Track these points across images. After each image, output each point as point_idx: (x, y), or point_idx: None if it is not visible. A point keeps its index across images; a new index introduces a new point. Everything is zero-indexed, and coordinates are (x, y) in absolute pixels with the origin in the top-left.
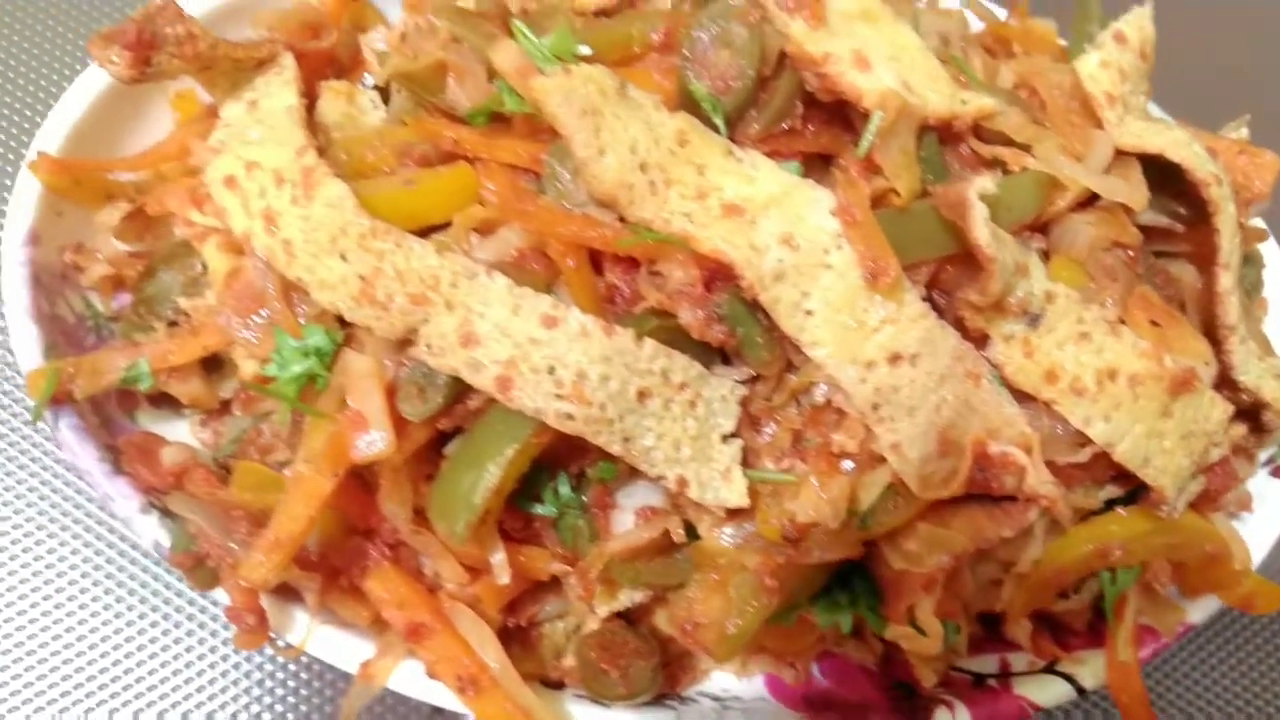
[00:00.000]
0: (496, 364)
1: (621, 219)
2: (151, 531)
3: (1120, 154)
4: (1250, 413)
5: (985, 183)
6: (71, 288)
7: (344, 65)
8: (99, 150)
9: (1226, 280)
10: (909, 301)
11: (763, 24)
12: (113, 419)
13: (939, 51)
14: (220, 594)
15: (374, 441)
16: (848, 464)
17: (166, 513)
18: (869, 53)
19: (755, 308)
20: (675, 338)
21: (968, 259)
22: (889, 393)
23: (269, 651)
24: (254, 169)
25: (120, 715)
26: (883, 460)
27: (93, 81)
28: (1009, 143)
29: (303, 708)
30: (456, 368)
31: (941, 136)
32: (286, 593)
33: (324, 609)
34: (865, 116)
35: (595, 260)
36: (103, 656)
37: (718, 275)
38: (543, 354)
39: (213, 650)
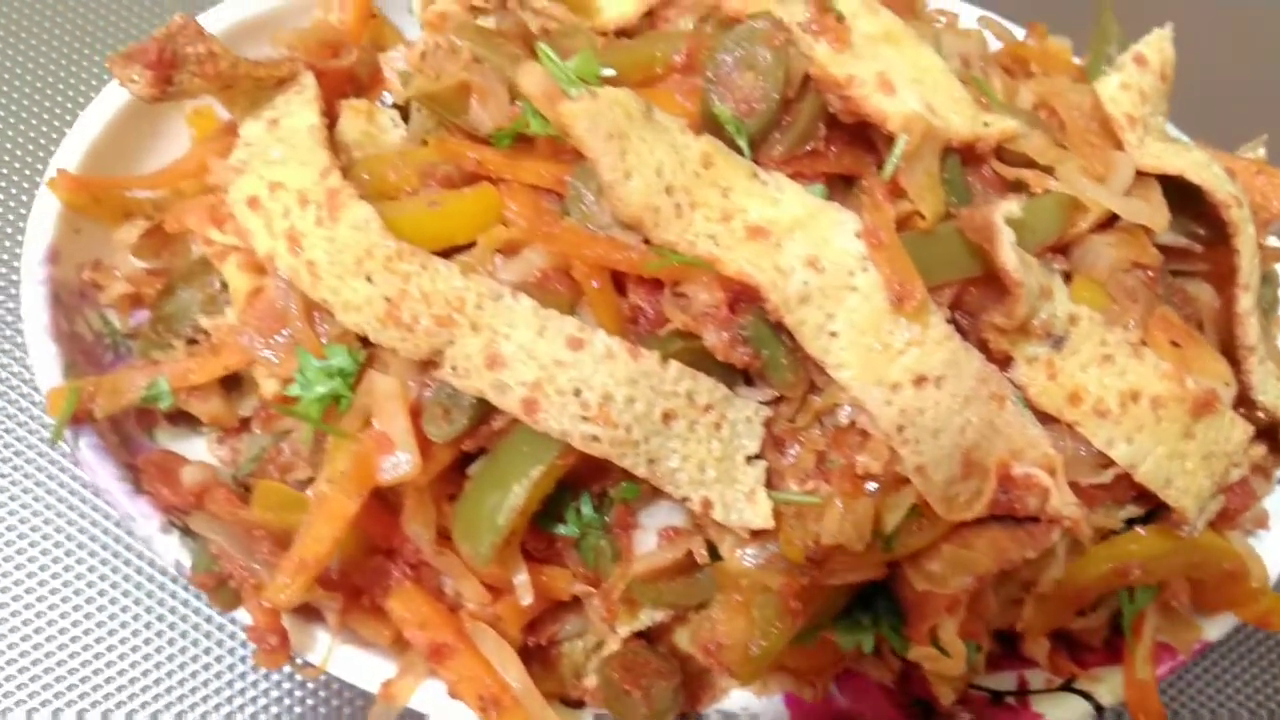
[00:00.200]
0: (522, 386)
1: (646, 241)
2: (172, 551)
3: (1140, 175)
4: (1268, 432)
5: (1011, 206)
6: (90, 305)
7: (363, 83)
8: (117, 168)
9: (1246, 301)
10: (934, 324)
11: (787, 47)
12: (132, 437)
13: (960, 73)
14: (241, 613)
15: (400, 463)
16: (871, 485)
17: (187, 532)
18: (892, 75)
19: (780, 329)
20: (700, 359)
21: (991, 280)
22: (914, 415)
23: (288, 670)
24: (277, 189)
25: None
26: (907, 482)
27: (111, 99)
28: (1031, 164)
29: None
30: (482, 389)
31: (964, 158)
32: (307, 611)
33: (345, 628)
34: (888, 138)
35: (618, 281)
36: (120, 675)
37: (742, 297)
38: (568, 376)
39: (230, 669)
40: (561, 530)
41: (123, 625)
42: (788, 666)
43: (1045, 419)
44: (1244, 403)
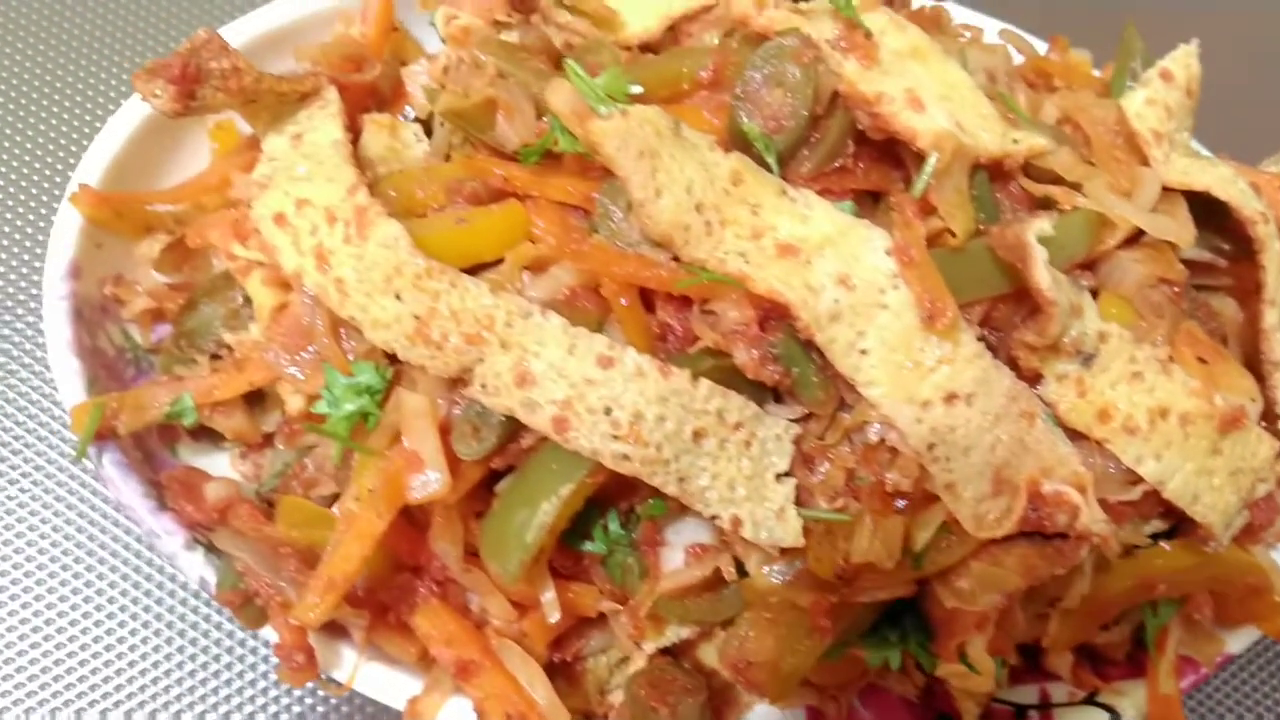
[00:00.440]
0: (552, 404)
1: (675, 258)
2: (197, 568)
3: (1165, 190)
4: None
5: (1043, 224)
6: (111, 320)
7: (385, 97)
8: (139, 182)
9: (1272, 317)
10: (965, 342)
11: (816, 64)
12: (154, 453)
13: (986, 88)
14: (265, 630)
15: (429, 482)
16: (901, 503)
17: (211, 549)
18: (921, 92)
19: (810, 347)
20: (729, 377)
21: (1020, 296)
22: (945, 433)
23: (311, 685)
24: (304, 206)
25: None
26: (936, 499)
27: (132, 114)
28: (1058, 181)
29: None
30: (512, 407)
31: (992, 175)
32: (333, 628)
33: (371, 645)
34: (916, 154)
35: (646, 298)
36: (141, 690)
37: (772, 314)
38: (599, 394)
39: (252, 684)
40: (588, 547)
41: (144, 641)
42: (812, 681)
43: (1074, 436)
44: (1268, 417)
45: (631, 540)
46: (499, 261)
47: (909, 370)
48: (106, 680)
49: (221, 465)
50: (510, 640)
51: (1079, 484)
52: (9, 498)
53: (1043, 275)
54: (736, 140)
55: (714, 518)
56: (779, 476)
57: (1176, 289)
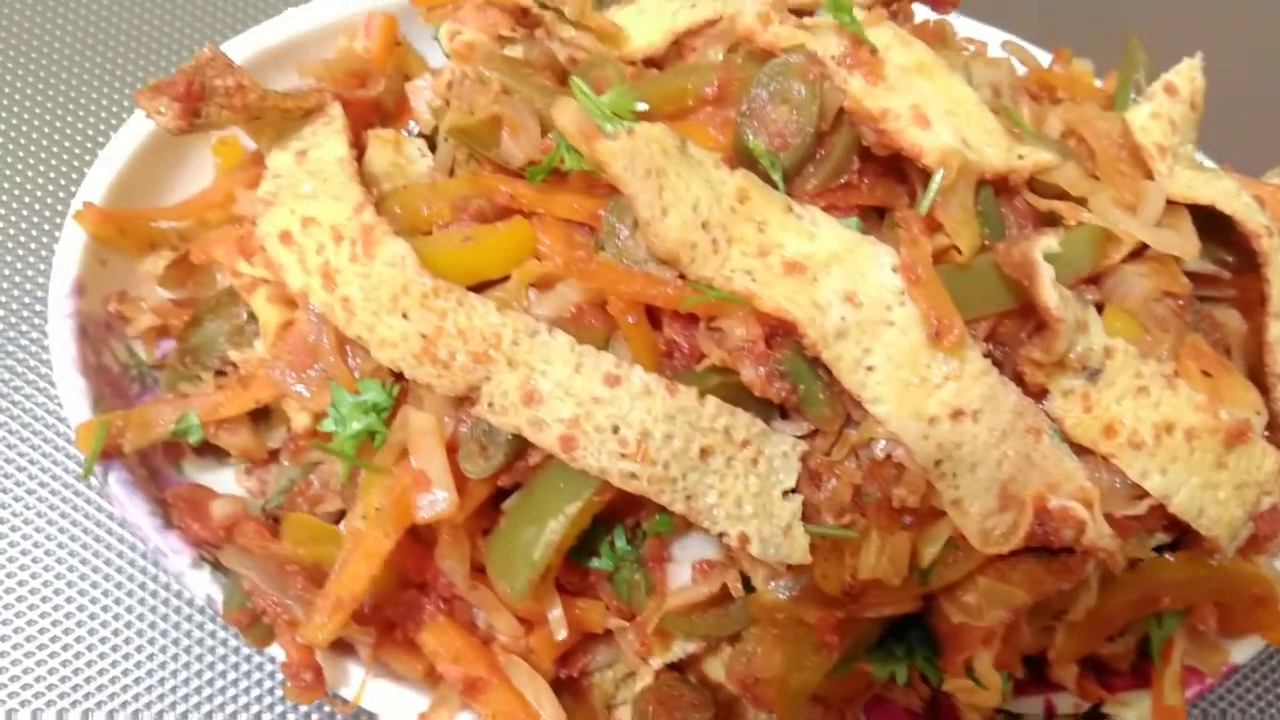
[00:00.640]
0: (560, 423)
1: (681, 276)
2: (204, 586)
3: (1170, 203)
4: None
5: (1050, 242)
6: (116, 336)
7: (389, 112)
8: (143, 199)
9: (1276, 330)
10: (971, 358)
11: (821, 80)
12: (160, 470)
13: (991, 102)
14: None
15: (437, 501)
16: (907, 518)
17: (218, 566)
18: (927, 108)
19: (816, 364)
20: (736, 394)
21: (1025, 311)
22: (951, 449)
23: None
24: (310, 224)
25: None
26: (943, 515)
27: (135, 131)
28: (1064, 195)
29: None
30: (519, 426)
31: (997, 189)
32: (340, 645)
33: (378, 662)
34: (921, 169)
35: (652, 315)
36: (148, 707)
37: (778, 331)
38: (606, 413)
39: (259, 700)
40: (595, 564)
41: (150, 658)
42: (818, 695)
43: (1080, 451)
44: (1272, 429)
45: (638, 556)
46: (505, 278)
47: (915, 387)
48: (113, 697)
49: (227, 480)
50: (517, 656)
51: (1085, 499)
52: (14, 514)
53: (1050, 294)
54: (742, 157)
55: (722, 535)
56: (786, 493)
57: (1181, 302)
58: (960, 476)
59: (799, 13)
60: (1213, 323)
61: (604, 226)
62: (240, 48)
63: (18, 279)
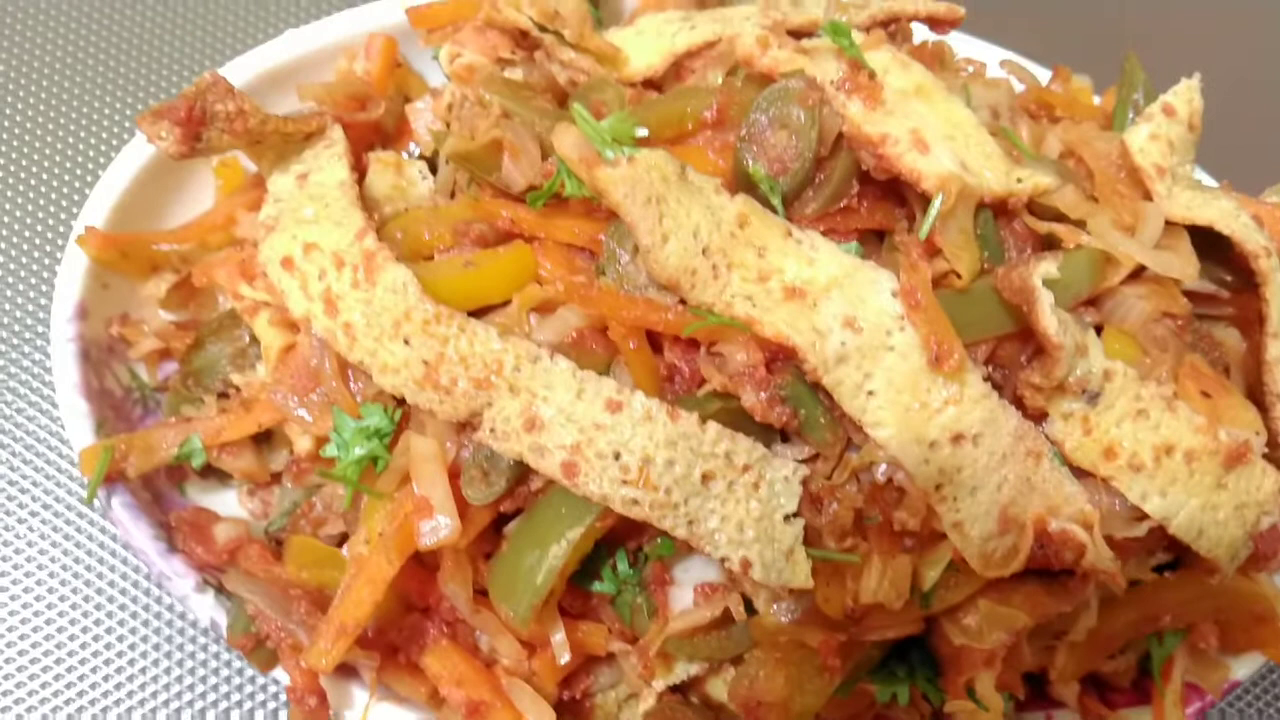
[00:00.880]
0: (561, 449)
1: (682, 301)
2: (208, 610)
3: (1168, 224)
4: None
5: (1049, 267)
6: (118, 359)
7: (389, 134)
8: (144, 222)
9: (1275, 350)
10: (972, 382)
11: (820, 106)
12: (163, 494)
13: (990, 125)
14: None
15: (440, 528)
16: (908, 542)
17: (222, 590)
18: (926, 132)
19: (817, 388)
20: (737, 419)
21: (1025, 335)
22: (952, 473)
23: None
24: (312, 250)
25: None
26: (944, 538)
27: (136, 154)
28: (1062, 218)
29: None
30: (521, 452)
31: (996, 212)
32: (343, 668)
33: (382, 685)
34: (921, 193)
35: (653, 339)
36: None
37: (779, 356)
38: (608, 439)
39: None
40: (598, 587)
41: (154, 680)
42: (821, 716)
43: (1080, 473)
44: (1271, 447)
45: (640, 580)
46: (506, 303)
47: (916, 411)
48: (106, 712)
49: (229, 502)
50: (520, 679)
51: (1085, 522)
52: (18, 537)
53: (1049, 320)
54: (741, 182)
55: (724, 560)
56: (787, 518)
57: (1180, 322)
58: (961, 500)
59: (798, 34)
60: (1212, 341)
61: (605, 251)
62: (240, 70)
63: (20, 301)
